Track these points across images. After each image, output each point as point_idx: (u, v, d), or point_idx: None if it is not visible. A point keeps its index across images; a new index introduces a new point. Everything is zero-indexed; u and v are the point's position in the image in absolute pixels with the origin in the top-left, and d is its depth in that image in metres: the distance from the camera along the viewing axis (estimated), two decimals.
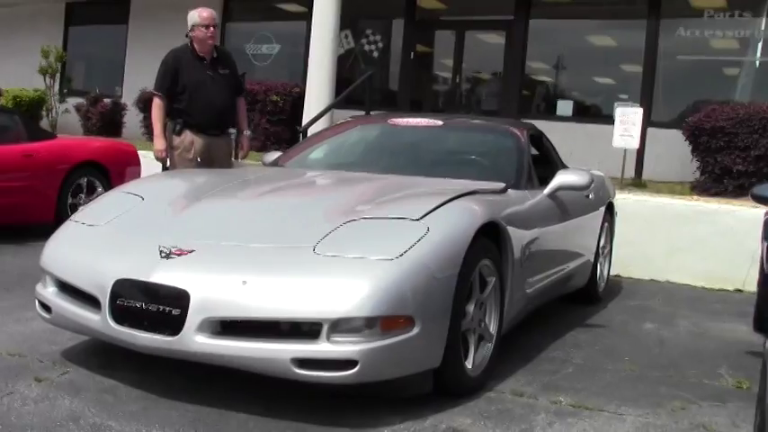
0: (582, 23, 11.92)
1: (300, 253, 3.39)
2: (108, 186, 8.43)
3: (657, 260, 7.58)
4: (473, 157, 5.26)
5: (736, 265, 7.35)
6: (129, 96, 13.65)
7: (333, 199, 4.12)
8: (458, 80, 12.30)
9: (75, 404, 3.33)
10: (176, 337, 3.21)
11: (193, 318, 3.18)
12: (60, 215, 7.96)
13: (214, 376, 3.59)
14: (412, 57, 12.53)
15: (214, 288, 3.24)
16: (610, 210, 6.50)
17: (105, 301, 3.39)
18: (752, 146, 8.75)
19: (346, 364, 3.14)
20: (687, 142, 9.35)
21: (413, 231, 3.45)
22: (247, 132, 6.49)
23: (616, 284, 7.10)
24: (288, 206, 4.09)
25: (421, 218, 3.54)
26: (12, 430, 3.04)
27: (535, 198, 4.72)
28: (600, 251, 6.21)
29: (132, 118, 13.36)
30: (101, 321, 3.43)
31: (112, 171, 8.58)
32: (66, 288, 3.74)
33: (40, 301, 3.91)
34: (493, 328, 3.92)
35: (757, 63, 10.81)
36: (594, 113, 11.75)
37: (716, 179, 9.13)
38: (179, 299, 3.22)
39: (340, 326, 3.11)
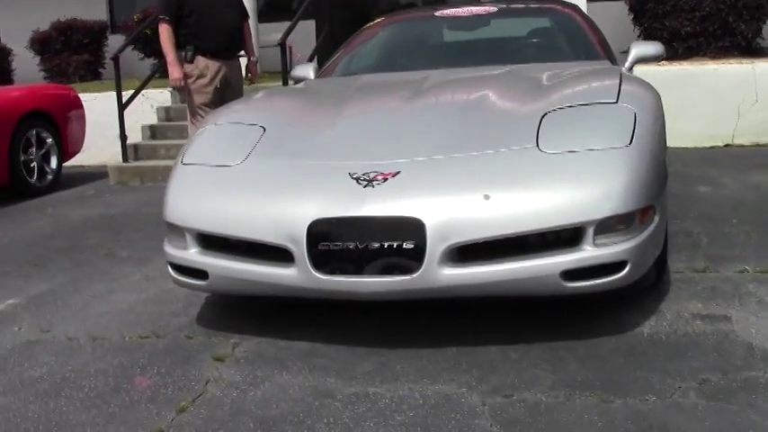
0: None
1: (526, 155, 3.07)
2: (57, 137, 7.70)
3: None
4: (552, 39, 5.09)
5: (724, 121, 7.59)
6: (13, 38, 12.31)
7: (493, 94, 3.72)
8: None
9: (296, 377, 2.88)
10: (417, 273, 2.81)
11: (434, 248, 2.80)
12: (15, 175, 7.24)
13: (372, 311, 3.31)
14: None
15: (452, 210, 2.85)
16: None
17: (302, 249, 2.88)
18: (696, 7, 8.87)
19: (616, 266, 2.91)
20: (630, 12, 9.41)
21: (623, 115, 3.23)
22: (254, 57, 6.23)
23: None
24: (453, 109, 3.69)
25: (618, 100, 3.32)
26: (271, 426, 2.59)
27: (631, 73, 4.60)
28: None
29: (25, 64, 12.10)
30: (299, 275, 2.93)
31: (59, 120, 7.82)
32: (225, 245, 3.20)
33: (181, 267, 3.33)
34: None
35: None
36: None
37: (665, 43, 9.25)
38: (411, 229, 2.82)
39: (604, 227, 2.88)
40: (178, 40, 5.68)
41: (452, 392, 2.67)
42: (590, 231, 2.85)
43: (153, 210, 6.31)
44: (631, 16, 9.41)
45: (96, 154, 8.76)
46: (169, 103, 9.08)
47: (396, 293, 2.89)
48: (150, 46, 10.50)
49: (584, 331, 3.11)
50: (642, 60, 4.76)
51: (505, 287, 2.89)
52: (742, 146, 7.57)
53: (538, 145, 3.10)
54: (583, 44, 4.79)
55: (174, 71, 5.66)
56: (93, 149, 8.59)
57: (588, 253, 2.86)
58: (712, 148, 7.58)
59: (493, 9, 5.20)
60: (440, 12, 5.32)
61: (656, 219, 3.08)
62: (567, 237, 2.88)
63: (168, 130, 8.69)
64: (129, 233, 5.59)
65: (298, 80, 5.14)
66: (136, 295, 4.08)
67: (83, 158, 8.54)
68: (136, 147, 8.38)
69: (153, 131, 8.74)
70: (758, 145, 7.48)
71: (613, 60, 4.62)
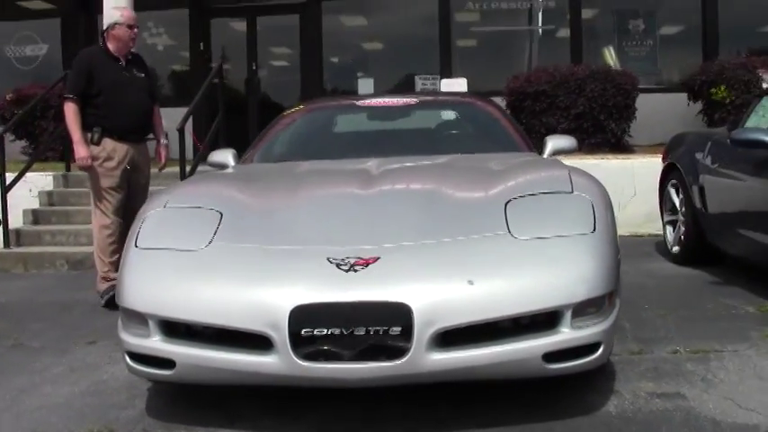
0: (375, 2, 12.18)
1: (501, 241, 3.18)
2: None
3: None
4: (478, 130, 5.31)
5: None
6: None
7: (447, 182, 3.83)
8: (254, 67, 11.96)
9: None
10: (404, 359, 2.83)
11: (422, 332, 2.83)
12: None
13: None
14: (201, 48, 12.00)
15: (437, 295, 2.91)
16: None
17: (284, 335, 2.83)
18: (571, 105, 9.50)
19: (591, 347, 3.05)
20: (507, 108, 9.94)
21: (581, 203, 3.42)
22: (165, 141, 6.08)
23: None
24: (414, 196, 3.76)
25: (573, 190, 3.52)
26: None
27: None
28: None
29: None
30: (279, 362, 2.86)
31: None
32: (192, 332, 3.10)
33: (141, 356, 3.20)
34: None
35: (540, 31, 11.75)
36: (400, 88, 11.98)
37: (541, 138, 9.82)
38: (398, 314, 2.84)
39: (579, 310, 3.02)
40: (84, 120, 5.52)
41: None
42: (568, 314, 2.99)
43: (49, 298, 6.09)
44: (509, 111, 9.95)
45: None
46: (51, 188, 8.75)
47: (384, 379, 2.89)
48: (23, 128, 10.14)
49: (557, 411, 3.21)
50: (558, 153, 5.05)
51: (490, 370, 2.96)
52: (622, 236, 8.00)
53: (510, 231, 3.22)
54: (507, 135, 5.06)
55: (81, 150, 5.48)
56: None
57: (567, 335, 2.99)
58: None
59: (414, 100, 5.40)
60: (361, 101, 5.47)
61: (618, 302, 3.26)
62: (545, 320, 3.00)
63: (52, 215, 8.36)
64: (31, 322, 5.29)
65: (217, 166, 5.08)
66: (68, 388, 3.86)
67: None
68: (18, 232, 7.98)
69: (35, 216, 8.37)
70: (637, 235, 7.97)
71: (534, 152, 4.88)
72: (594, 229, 3.25)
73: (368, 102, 5.45)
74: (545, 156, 4.87)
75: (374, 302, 2.89)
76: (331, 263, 3.05)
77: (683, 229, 6.19)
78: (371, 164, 4.29)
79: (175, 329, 3.13)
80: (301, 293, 2.92)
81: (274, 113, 12.75)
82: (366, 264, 3.04)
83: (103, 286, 5.56)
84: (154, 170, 6.09)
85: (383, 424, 3.18)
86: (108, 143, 5.54)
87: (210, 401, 3.46)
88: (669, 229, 6.52)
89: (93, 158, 5.52)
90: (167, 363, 3.11)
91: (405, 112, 5.38)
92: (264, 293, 2.97)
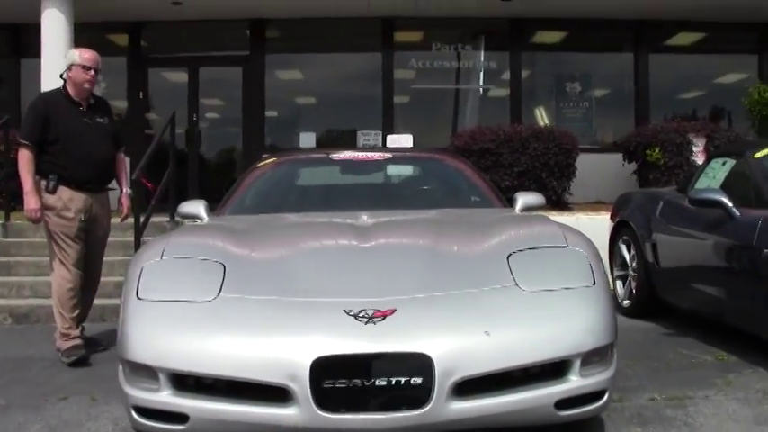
0: (317, 57, 12.38)
1: (510, 293, 3.31)
2: None
3: None
4: (449, 184, 5.46)
5: None
6: None
7: (443, 236, 3.92)
8: (195, 118, 11.95)
9: None
10: (426, 408, 2.90)
11: (443, 382, 2.91)
12: None
13: None
14: (141, 97, 11.96)
15: (456, 345, 3.00)
16: None
17: (305, 387, 2.86)
18: (515, 163, 9.80)
19: (597, 395, 3.21)
20: None
21: (578, 257, 3.58)
22: (128, 190, 5.81)
23: None
24: (415, 250, 3.81)
25: (568, 245, 3.68)
26: None
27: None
28: None
29: None
30: (301, 414, 2.87)
31: None
32: (203, 385, 3.08)
33: (149, 411, 3.15)
34: None
35: (481, 90, 12.15)
36: (341, 142, 12.16)
37: None
38: (418, 365, 2.91)
39: (588, 359, 3.16)
40: (40, 167, 5.23)
41: None
42: (577, 363, 3.13)
43: (1, 354, 5.74)
44: None
45: None
46: None
47: (406, 429, 2.93)
48: None
49: None
50: (527, 209, 5.23)
51: (506, 418, 3.06)
52: None
53: (517, 284, 3.36)
54: (481, 190, 5.23)
55: (31, 202, 5.17)
56: None
57: (576, 383, 3.14)
58: None
59: (388, 155, 5.53)
60: (335, 155, 5.55)
61: (615, 351, 3.42)
62: (556, 369, 3.14)
63: None
64: None
65: (188, 217, 5.04)
66: None
67: None
68: None
69: None
70: None
71: (508, 207, 5.05)
72: (594, 282, 3.42)
73: (342, 155, 5.52)
74: (517, 211, 5.03)
75: (395, 353, 2.94)
76: (348, 314, 3.09)
77: (634, 283, 6.45)
78: (360, 217, 4.36)
79: (187, 383, 3.11)
80: (321, 345, 2.95)
81: (215, 165, 12.97)
82: (384, 316, 3.08)
83: (65, 345, 5.27)
84: (113, 220, 5.84)
85: None
86: (65, 192, 5.27)
87: None
88: (619, 283, 6.78)
89: (49, 208, 5.26)
90: (179, 417, 3.06)
91: (379, 167, 5.50)
92: (283, 345, 2.99)
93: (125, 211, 5.77)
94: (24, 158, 5.21)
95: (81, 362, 5.22)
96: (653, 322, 6.17)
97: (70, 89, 5.38)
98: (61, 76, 5.43)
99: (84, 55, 5.38)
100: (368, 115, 12.04)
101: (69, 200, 5.29)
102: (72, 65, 5.34)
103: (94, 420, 4.03)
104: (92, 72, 5.37)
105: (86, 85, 5.38)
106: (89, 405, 4.27)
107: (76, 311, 5.36)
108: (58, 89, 5.47)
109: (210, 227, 4.55)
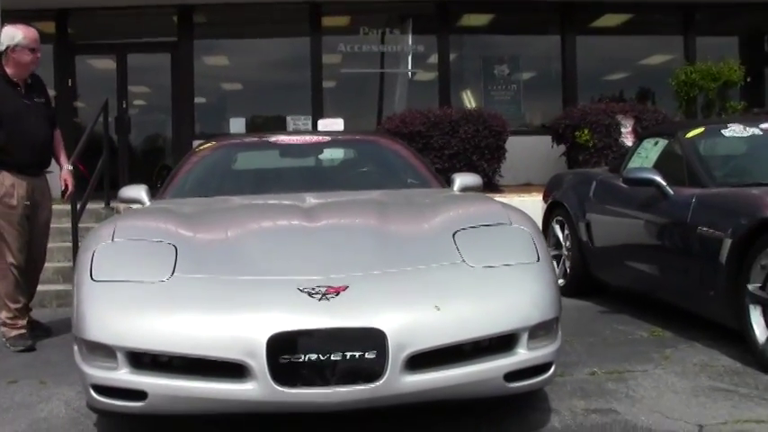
0: (245, 43, 12.30)
1: (458, 269, 3.37)
2: None
3: None
4: (387, 166, 5.51)
5: None
6: None
7: (388, 216, 3.97)
8: (124, 105, 11.73)
9: None
10: (380, 381, 2.96)
11: (396, 356, 2.97)
12: None
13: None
14: (69, 85, 11.69)
15: (408, 320, 3.06)
16: None
17: (262, 363, 2.91)
18: (445, 146, 9.91)
19: (543, 368, 3.30)
20: None
21: (522, 235, 3.67)
22: (69, 167, 5.68)
23: None
24: (362, 229, 3.87)
25: (511, 222, 3.77)
26: None
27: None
28: None
29: None
30: (258, 389, 2.93)
31: None
32: (160, 363, 3.10)
33: (107, 388, 3.16)
34: None
35: (409, 74, 12.23)
36: (271, 127, 12.11)
37: None
38: (372, 339, 2.98)
39: (535, 332, 3.25)
40: None
41: None
42: (524, 337, 3.22)
43: None
44: None
45: None
46: None
47: (361, 402, 3.00)
48: None
49: (508, 430, 3.43)
50: (465, 189, 5.31)
51: (457, 390, 3.14)
52: None
53: (464, 260, 3.44)
54: (419, 171, 5.30)
55: None
56: None
57: (524, 356, 3.23)
58: None
59: (326, 138, 5.55)
60: (274, 138, 5.56)
61: (560, 326, 3.52)
62: (505, 342, 3.22)
63: None
64: None
65: (128, 201, 4.99)
66: (8, 427, 3.70)
67: None
68: None
69: None
70: None
71: (447, 187, 5.12)
72: (539, 259, 3.52)
73: (282, 139, 5.54)
74: (455, 191, 5.10)
75: (350, 328, 3.01)
76: (302, 291, 3.15)
77: (568, 262, 6.61)
78: (305, 198, 4.40)
79: (144, 361, 3.12)
80: (277, 321, 3.00)
81: (146, 151, 12.77)
82: (337, 292, 3.15)
83: (11, 333, 5.21)
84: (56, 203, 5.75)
85: None
86: (7, 178, 5.15)
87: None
88: (553, 263, 6.92)
89: None
90: (138, 394, 3.09)
91: (318, 150, 5.53)
92: (239, 322, 3.03)
93: (70, 187, 5.68)
94: None
95: (27, 349, 5.18)
96: (587, 301, 6.32)
97: (10, 70, 5.19)
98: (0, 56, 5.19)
99: (29, 35, 5.21)
100: (297, 100, 12.00)
101: (11, 186, 5.15)
102: (16, 46, 5.15)
103: (46, 402, 4.06)
104: (37, 53, 5.23)
105: (32, 67, 5.25)
106: (39, 388, 4.29)
107: (22, 302, 5.28)
108: None
109: (157, 210, 4.53)
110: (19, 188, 5.19)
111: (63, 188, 5.66)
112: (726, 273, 4.40)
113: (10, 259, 5.21)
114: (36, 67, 5.34)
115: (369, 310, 3.08)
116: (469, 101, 12.16)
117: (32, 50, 5.20)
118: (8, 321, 5.24)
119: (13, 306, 5.22)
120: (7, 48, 5.16)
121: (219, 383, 3.01)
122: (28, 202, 5.24)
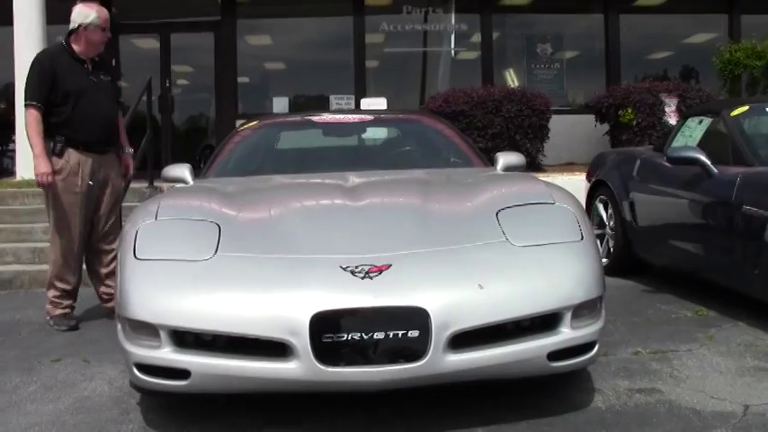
0: (288, 22, 12.33)
1: (501, 248, 3.38)
2: None
3: None
4: (431, 145, 5.53)
5: None
6: None
7: (432, 195, 3.98)
8: (168, 84, 11.87)
9: None
10: (423, 361, 2.98)
11: (439, 335, 2.99)
12: None
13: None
14: (113, 64, 11.80)
15: (451, 299, 3.07)
16: None
17: (305, 342, 2.93)
18: (488, 125, 9.87)
19: (587, 347, 3.31)
20: None
21: (566, 214, 3.67)
22: (129, 150, 5.71)
23: None
24: (405, 208, 3.89)
25: (554, 201, 3.77)
26: None
27: None
28: None
29: None
30: (300, 368, 2.95)
31: None
32: (203, 341, 3.15)
33: (150, 367, 3.21)
34: None
35: (452, 53, 12.18)
36: (314, 107, 12.16)
37: None
38: (415, 318, 2.99)
39: (577, 312, 3.26)
40: (45, 130, 5.04)
41: None
42: (568, 316, 3.23)
43: None
44: None
45: None
46: None
47: (404, 381, 3.03)
48: None
49: (551, 410, 3.43)
50: (508, 168, 5.30)
51: (500, 370, 3.15)
52: None
53: (507, 239, 3.44)
54: (462, 150, 5.31)
55: (42, 165, 4.99)
56: None
57: (568, 335, 3.23)
58: None
59: (369, 117, 5.57)
60: (318, 117, 5.59)
61: (604, 305, 3.52)
62: (548, 321, 3.23)
63: None
64: None
65: (173, 180, 5.03)
66: (51, 405, 3.78)
67: None
68: None
69: None
70: None
71: (490, 166, 5.12)
72: (582, 237, 3.52)
73: (325, 118, 5.57)
74: (498, 170, 5.09)
75: (393, 307, 3.03)
76: (345, 270, 3.17)
77: (611, 242, 6.58)
78: (347, 177, 4.43)
79: (188, 339, 3.17)
80: (320, 300, 3.01)
81: (189, 131, 12.91)
82: (380, 271, 3.17)
83: (55, 312, 5.27)
84: None
85: (387, 426, 3.33)
86: (72, 155, 5.11)
87: (208, 413, 3.50)
88: (597, 242, 6.89)
89: (57, 172, 5.07)
90: (181, 373, 3.13)
91: (361, 129, 5.55)
92: (282, 301, 3.06)
93: (130, 170, 5.73)
94: (32, 120, 5.02)
95: (71, 329, 5.25)
96: (631, 280, 6.29)
97: (78, 47, 5.19)
98: (70, 33, 5.22)
99: (102, 14, 5.24)
100: (340, 80, 12.03)
101: (77, 163, 5.14)
102: (90, 24, 5.16)
103: (90, 380, 4.12)
104: (108, 33, 5.28)
105: (101, 46, 5.29)
106: (83, 366, 4.35)
107: (72, 283, 5.30)
108: (60, 45, 5.27)
109: (200, 189, 4.59)
110: (84, 166, 5.16)
111: (124, 172, 5.66)
112: None
113: (68, 240, 5.21)
114: (104, 48, 5.34)
115: (412, 288, 3.09)
116: (512, 80, 12.09)
117: (104, 30, 5.23)
118: (54, 300, 5.28)
119: (61, 286, 5.26)
120: (79, 26, 5.17)
121: (262, 362, 3.05)
122: (92, 182, 5.21)
